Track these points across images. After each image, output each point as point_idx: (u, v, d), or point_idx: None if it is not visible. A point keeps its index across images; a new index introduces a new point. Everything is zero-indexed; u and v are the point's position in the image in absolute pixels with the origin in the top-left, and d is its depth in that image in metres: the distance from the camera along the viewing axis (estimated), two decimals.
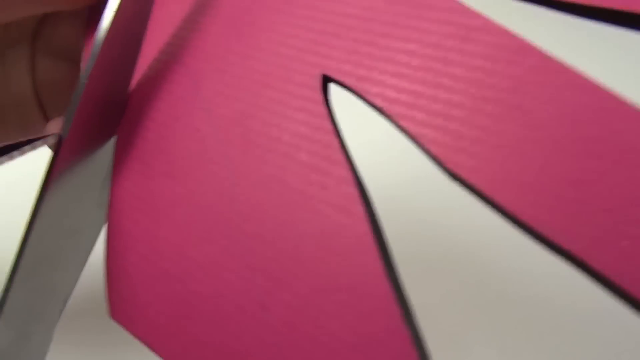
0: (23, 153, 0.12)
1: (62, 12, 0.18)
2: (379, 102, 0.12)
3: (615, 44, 0.35)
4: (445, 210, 0.29)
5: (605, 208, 0.09)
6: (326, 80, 0.13)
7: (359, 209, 0.11)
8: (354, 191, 0.11)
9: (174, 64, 0.15)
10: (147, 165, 0.14)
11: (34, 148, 0.13)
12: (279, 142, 0.12)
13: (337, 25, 0.13)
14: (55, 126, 0.17)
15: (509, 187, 0.10)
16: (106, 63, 0.13)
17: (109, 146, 0.15)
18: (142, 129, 0.15)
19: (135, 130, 0.15)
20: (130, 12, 0.14)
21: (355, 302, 0.11)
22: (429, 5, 0.12)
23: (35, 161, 0.18)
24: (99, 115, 0.14)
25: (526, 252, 0.26)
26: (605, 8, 0.11)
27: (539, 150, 0.10)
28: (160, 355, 0.12)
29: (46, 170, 0.13)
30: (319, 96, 0.13)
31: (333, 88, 0.13)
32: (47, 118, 0.20)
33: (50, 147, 0.13)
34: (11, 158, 0.12)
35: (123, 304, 0.13)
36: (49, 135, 0.13)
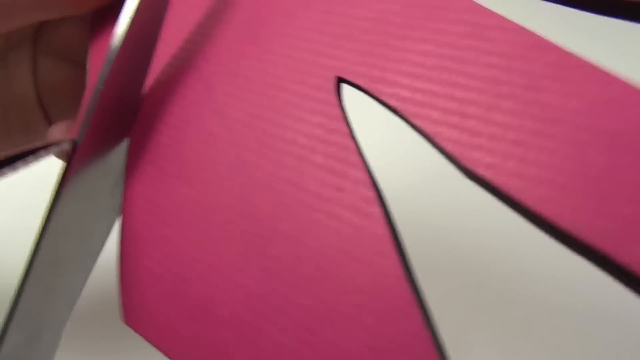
0: (27, 164, 0.12)
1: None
2: (393, 102, 0.12)
3: (619, 37, 0.35)
4: (445, 211, 0.29)
5: (629, 201, 0.09)
6: (340, 82, 0.13)
7: (377, 210, 0.11)
8: (371, 193, 0.11)
9: (187, 68, 0.15)
10: (160, 168, 0.14)
11: (37, 158, 0.12)
12: (294, 145, 0.12)
13: (351, 28, 0.13)
14: (57, 131, 0.17)
15: (527, 183, 0.10)
16: (121, 68, 0.13)
17: (120, 149, 0.15)
18: (155, 133, 0.15)
19: (148, 134, 0.15)
20: (145, 17, 0.14)
21: (375, 305, 0.11)
22: (444, 6, 0.12)
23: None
24: (111, 119, 0.14)
25: (526, 252, 0.27)
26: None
27: (560, 145, 0.10)
28: None
29: (60, 175, 0.12)
30: (333, 98, 0.13)
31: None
32: (48, 118, 0.20)
33: (56, 156, 0.13)
34: (15, 169, 0.12)
35: (137, 309, 0.13)
36: (51, 144, 0.13)
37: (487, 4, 0.12)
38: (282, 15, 0.14)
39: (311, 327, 0.11)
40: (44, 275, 0.13)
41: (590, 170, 0.09)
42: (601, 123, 0.10)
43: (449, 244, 0.28)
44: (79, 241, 0.14)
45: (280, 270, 0.12)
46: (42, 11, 0.17)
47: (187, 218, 0.13)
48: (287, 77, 0.13)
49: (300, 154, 0.12)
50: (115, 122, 0.14)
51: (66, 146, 0.12)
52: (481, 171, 0.10)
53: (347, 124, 0.12)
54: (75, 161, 0.13)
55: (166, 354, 0.12)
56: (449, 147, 0.11)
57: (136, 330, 0.13)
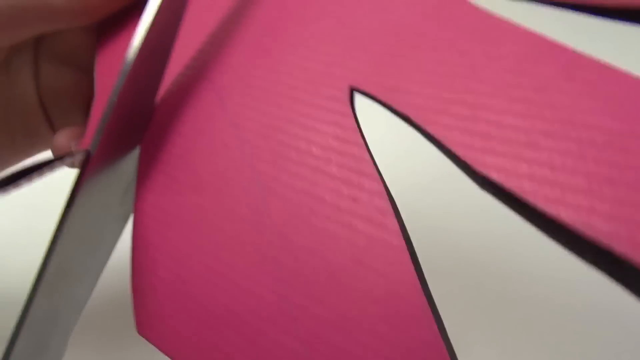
0: (42, 175, 0.12)
1: None
2: (407, 110, 0.12)
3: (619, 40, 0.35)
4: (445, 212, 0.29)
5: None
6: (353, 92, 0.13)
7: (393, 221, 0.11)
8: (386, 204, 0.11)
9: (199, 78, 0.15)
10: (173, 179, 0.14)
11: (52, 169, 0.12)
12: (309, 156, 0.12)
13: (362, 38, 0.13)
14: (62, 138, 0.17)
15: (540, 185, 0.10)
16: (135, 79, 0.13)
17: (130, 156, 0.15)
18: (168, 143, 0.14)
19: (160, 143, 0.15)
20: (162, 26, 0.14)
21: (391, 315, 0.11)
22: (455, 16, 0.12)
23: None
24: (124, 128, 0.14)
25: (526, 253, 0.27)
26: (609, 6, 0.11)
27: (575, 147, 0.10)
28: None
29: (72, 185, 0.12)
30: (347, 109, 0.13)
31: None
32: (50, 122, 0.20)
33: (69, 166, 0.13)
34: (30, 180, 0.12)
35: (151, 320, 0.13)
36: (66, 156, 0.13)
37: (490, 8, 0.12)
38: (294, 26, 0.14)
39: (327, 338, 0.11)
40: (54, 283, 0.13)
41: (605, 171, 0.09)
42: (614, 123, 0.10)
43: (449, 245, 0.29)
44: (88, 249, 0.14)
45: (295, 280, 0.12)
46: (49, 23, 0.17)
47: (201, 229, 0.13)
48: (301, 87, 0.13)
49: (315, 165, 0.12)
50: (128, 131, 0.14)
51: (80, 157, 0.12)
52: (493, 174, 0.10)
53: (362, 135, 0.12)
54: (88, 171, 0.13)
55: None
56: (460, 152, 0.11)
57: (151, 341, 0.13)
